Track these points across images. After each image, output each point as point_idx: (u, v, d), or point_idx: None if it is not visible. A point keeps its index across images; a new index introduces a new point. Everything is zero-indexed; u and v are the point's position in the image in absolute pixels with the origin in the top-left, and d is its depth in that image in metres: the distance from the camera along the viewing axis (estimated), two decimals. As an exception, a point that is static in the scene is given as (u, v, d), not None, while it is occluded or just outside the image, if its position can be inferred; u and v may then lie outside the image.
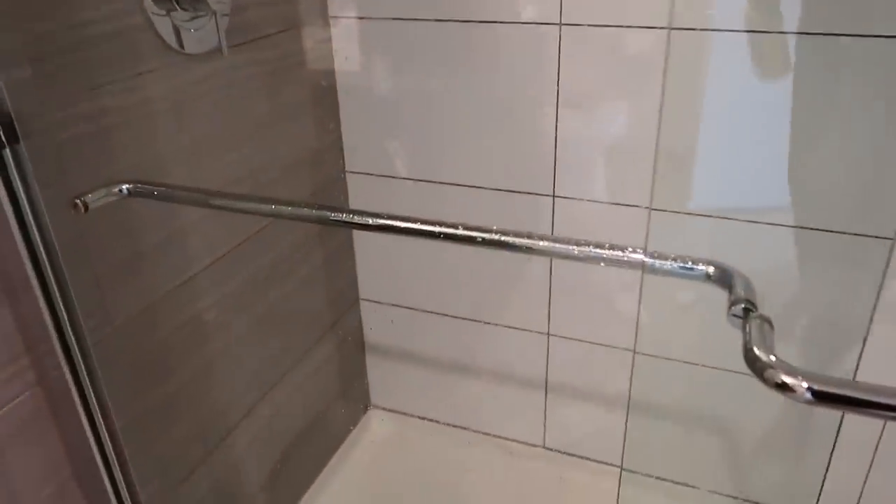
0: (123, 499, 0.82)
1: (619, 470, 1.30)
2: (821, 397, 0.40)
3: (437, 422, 1.44)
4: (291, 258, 1.14)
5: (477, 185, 1.16)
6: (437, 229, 0.63)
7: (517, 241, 0.60)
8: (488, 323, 1.29)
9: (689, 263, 0.51)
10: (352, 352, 1.39)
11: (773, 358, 0.41)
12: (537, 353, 1.27)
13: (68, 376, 0.73)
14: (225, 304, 0.99)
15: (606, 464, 1.32)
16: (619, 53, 0.99)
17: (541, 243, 0.58)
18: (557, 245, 0.59)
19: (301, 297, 1.19)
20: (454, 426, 1.43)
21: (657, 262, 0.52)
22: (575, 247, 0.58)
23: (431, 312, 1.32)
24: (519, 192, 1.13)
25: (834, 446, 1.05)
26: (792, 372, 0.41)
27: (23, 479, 0.72)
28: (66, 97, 0.69)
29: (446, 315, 1.31)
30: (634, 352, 1.15)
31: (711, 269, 0.50)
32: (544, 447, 1.37)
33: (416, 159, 1.19)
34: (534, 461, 1.35)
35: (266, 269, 1.08)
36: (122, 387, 0.80)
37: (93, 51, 0.72)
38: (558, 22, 0.99)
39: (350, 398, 1.42)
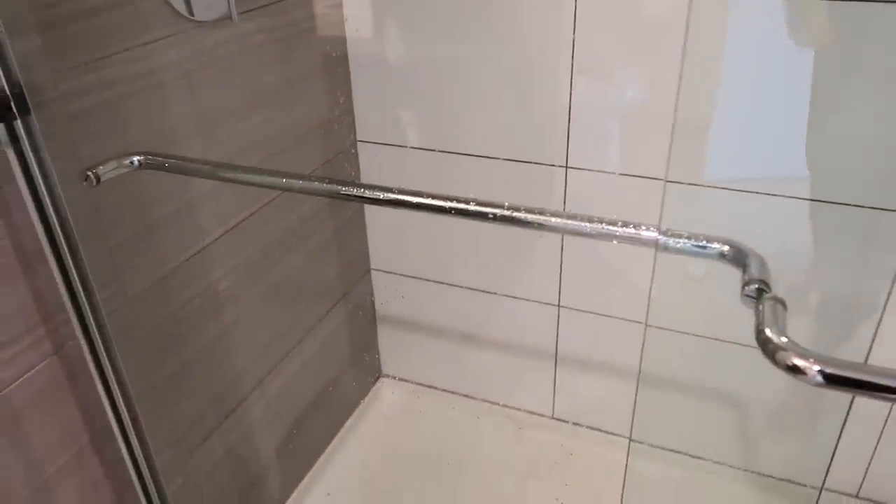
0: (140, 465, 0.84)
1: (627, 441, 1.31)
2: (832, 380, 0.39)
3: (448, 391, 1.45)
4: (302, 229, 1.14)
5: (489, 154, 1.14)
6: (448, 204, 0.62)
7: (529, 217, 0.59)
8: (499, 294, 1.29)
9: (704, 242, 0.50)
10: (363, 322, 1.40)
11: (784, 340, 0.41)
12: (547, 324, 1.28)
13: (84, 346, 0.74)
14: (236, 274, 1.00)
15: (615, 434, 1.33)
16: (637, 16, 0.97)
17: (553, 220, 0.58)
18: (570, 222, 0.58)
19: (312, 268, 1.20)
20: (464, 396, 1.44)
21: (671, 241, 0.51)
22: (587, 223, 0.57)
23: (442, 283, 1.32)
24: (531, 162, 1.12)
25: (845, 421, 1.05)
26: (804, 355, 0.40)
27: (41, 447, 0.73)
28: (76, 67, 0.68)
29: (456, 286, 1.31)
30: (646, 325, 1.15)
31: (726, 248, 0.49)
32: (553, 417, 1.38)
33: (427, 128, 1.18)
34: (542, 431, 1.36)
35: (276, 240, 1.08)
36: (136, 356, 0.81)
37: (101, 19, 0.71)
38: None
39: (361, 368, 1.43)
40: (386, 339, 1.46)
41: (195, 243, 0.91)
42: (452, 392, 1.45)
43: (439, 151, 1.18)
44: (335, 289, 1.28)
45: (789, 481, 1.20)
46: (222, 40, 0.89)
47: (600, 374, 1.30)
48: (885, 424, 1.10)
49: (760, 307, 0.43)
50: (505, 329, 1.33)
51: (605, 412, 1.33)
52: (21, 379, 0.69)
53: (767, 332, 0.41)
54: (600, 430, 1.35)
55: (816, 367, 0.39)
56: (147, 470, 0.85)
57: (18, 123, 0.61)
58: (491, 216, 0.60)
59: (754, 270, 0.45)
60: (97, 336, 0.73)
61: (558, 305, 1.24)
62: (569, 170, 1.11)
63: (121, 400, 0.79)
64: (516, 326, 1.31)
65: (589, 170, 1.09)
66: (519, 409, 1.41)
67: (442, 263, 1.31)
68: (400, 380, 1.49)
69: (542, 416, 1.39)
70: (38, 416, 0.72)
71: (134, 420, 0.81)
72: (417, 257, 1.32)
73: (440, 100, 1.14)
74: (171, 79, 0.82)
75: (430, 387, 1.47)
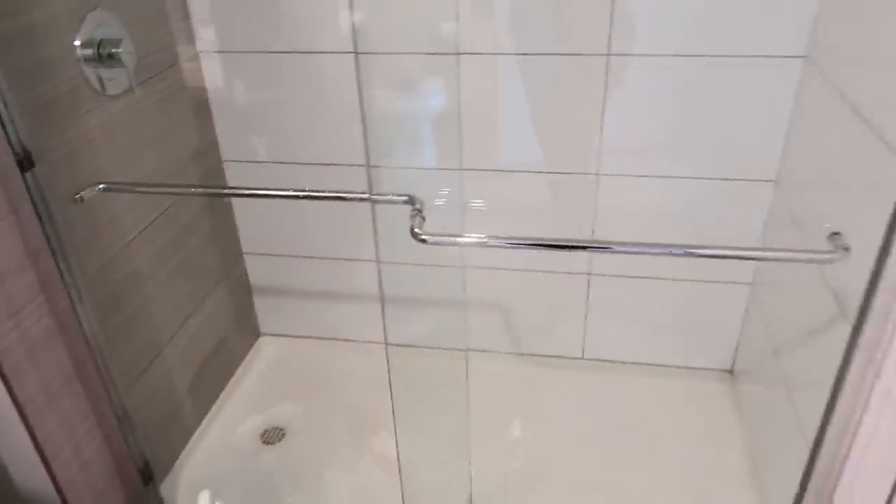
0: (108, 386, 1.28)
1: (448, 350, 1.88)
2: (424, 241, 0.96)
3: (314, 337, 1.96)
4: (190, 227, 1.60)
5: (315, 161, 1.66)
6: (290, 193, 1.14)
7: (328, 194, 1.12)
8: (342, 259, 1.81)
9: (393, 196, 1.05)
10: (241, 293, 1.87)
11: (417, 229, 0.97)
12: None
13: (70, 308, 1.18)
14: (150, 260, 1.45)
15: (448, 349, 1.90)
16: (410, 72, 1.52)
17: (328, 193, 1.11)
18: (332, 193, 1.12)
19: (199, 254, 1.66)
20: (328, 339, 1.96)
21: (379, 197, 1.05)
22: (359, 194, 1.11)
23: (299, 256, 1.83)
24: (341, 164, 1.65)
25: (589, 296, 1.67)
26: (421, 231, 0.96)
27: (47, 372, 1.16)
28: (52, 133, 1.13)
29: (312, 256, 1.82)
30: (378, 261, 1.72)
31: (406, 197, 1.05)
32: (388, 343, 1.93)
33: (271, 147, 1.68)
34: (380, 354, 1.91)
35: (173, 236, 1.54)
36: (97, 315, 1.25)
37: (62, 103, 1.15)
38: (353, 51, 1.51)
39: (243, 329, 1.91)
40: (261, 305, 1.94)
41: (125, 237, 1.36)
42: (318, 338, 1.96)
43: (284, 163, 1.68)
44: (217, 269, 1.75)
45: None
46: (128, 104, 1.34)
47: (426, 308, 1.86)
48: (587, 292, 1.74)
49: (416, 219, 0.99)
50: (352, 284, 1.86)
51: (438, 335, 1.89)
52: (33, 329, 1.12)
53: (412, 226, 0.97)
54: (439, 348, 1.90)
55: (423, 236, 0.95)
56: (112, 389, 1.29)
57: (29, 174, 1.05)
58: (322, 197, 1.12)
59: (415, 202, 1.01)
60: (77, 299, 1.18)
61: (377, 261, 1.79)
62: (372, 168, 1.65)
63: (92, 344, 1.23)
64: (360, 279, 1.84)
65: (391, 167, 1.64)
66: (369, 342, 1.94)
67: (298, 241, 1.81)
68: (275, 335, 1.98)
69: (378, 343, 1.93)
70: (43, 352, 1.15)
71: (100, 359, 1.25)
72: (278, 239, 1.82)
73: (277, 125, 1.64)
74: (103, 133, 1.27)
75: (300, 337, 1.97)
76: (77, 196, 1.09)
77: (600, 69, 1.45)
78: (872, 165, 0.99)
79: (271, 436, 1.70)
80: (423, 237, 0.99)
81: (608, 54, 1.43)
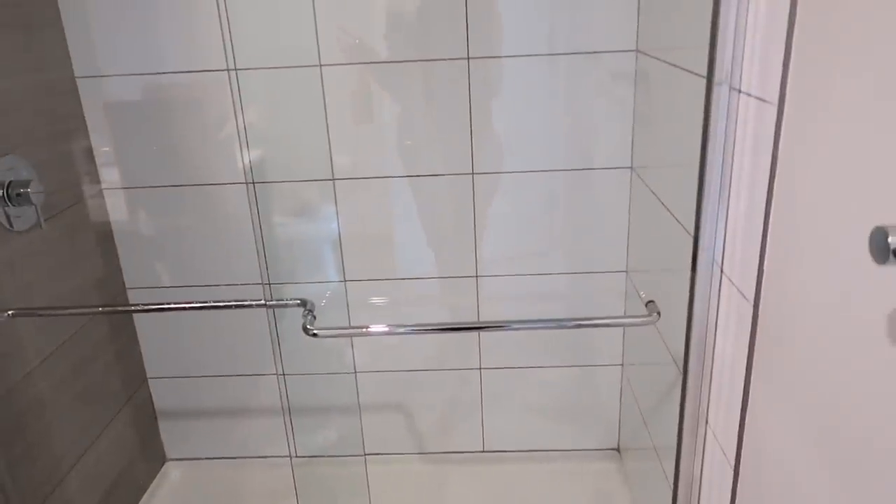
0: (6, 513, 1.29)
1: (347, 457, 1.94)
2: (315, 335, 1.10)
3: (220, 457, 1.98)
4: (94, 353, 1.66)
5: (215, 283, 1.78)
6: (193, 305, 1.25)
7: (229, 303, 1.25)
8: (247, 375, 1.89)
9: (287, 300, 1.20)
10: (146, 418, 1.90)
11: (309, 327, 1.11)
12: (274, 389, 1.91)
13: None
14: (54, 387, 1.49)
15: (345, 455, 1.96)
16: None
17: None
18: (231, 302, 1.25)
19: (103, 379, 1.70)
20: (232, 458, 1.98)
21: (275, 302, 1.19)
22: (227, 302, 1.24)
23: (203, 376, 1.89)
24: (236, 283, 1.78)
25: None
26: (312, 327, 1.11)
27: None
28: (-43, 267, 1.21)
29: (215, 375, 1.89)
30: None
31: (299, 300, 1.19)
32: (295, 456, 1.98)
33: (173, 272, 1.79)
34: (285, 468, 1.95)
35: (77, 362, 1.59)
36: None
37: (-32, 238, 1.25)
38: (246, 181, 1.69)
39: (149, 455, 1.91)
40: (166, 428, 1.96)
41: (28, 365, 1.41)
42: (224, 457, 1.98)
43: (184, 286, 1.79)
44: (121, 394, 1.79)
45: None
46: (35, 238, 1.45)
47: (325, 417, 1.94)
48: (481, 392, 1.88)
49: (305, 317, 1.13)
50: (251, 400, 1.92)
51: (340, 442, 1.96)
52: (-66, 455, 1.15)
53: (304, 323, 1.11)
54: (333, 456, 1.97)
55: (314, 331, 1.09)
56: (11, 517, 1.29)
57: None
58: (223, 307, 1.24)
59: (306, 304, 1.15)
60: (-21, 423, 1.21)
61: (278, 375, 1.88)
62: (268, 286, 1.79)
63: (-9, 469, 1.25)
64: (258, 396, 1.91)
65: (286, 283, 1.78)
66: (274, 456, 1.98)
67: (200, 362, 1.88)
68: (181, 459, 1.99)
69: (283, 456, 1.98)
70: None
71: (2, 486, 1.27)
72: (181, 361, 1.88)
73: (177, 251, 1.76)
74: (11, 265, 1.35)
75: (206, 458, 1.99)
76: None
77: (468, 185, 1.69)
78: (675, 244, 1.23)
79: (177, 559, 1.68)
80: (313, 332, 1.13)
81: (472, 173, 1.68)
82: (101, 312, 1.38)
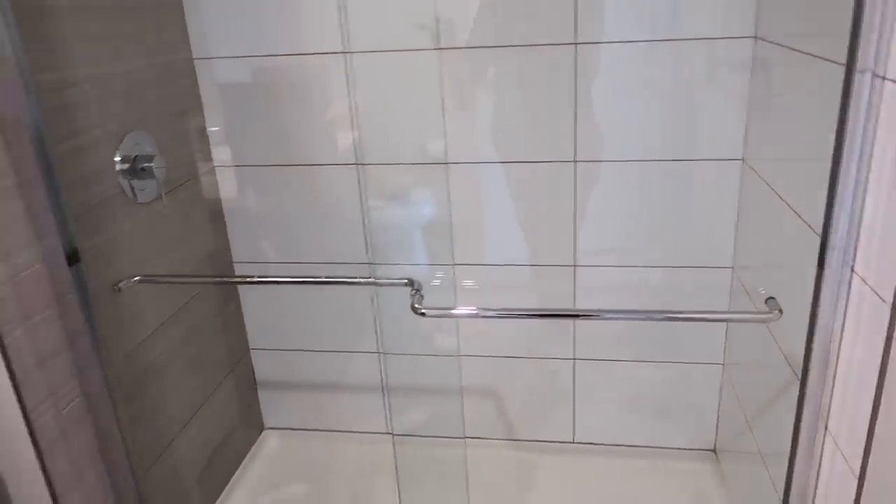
0: (127, 471, 1.37)
1: (443, 438, 1.97)
2: (424, 314, 1.11)
3: (315, 430, 2.05)
4: (203, 322, 1.74)
5: (319, 261, 1.83)
6: (303, 279, 1.29)
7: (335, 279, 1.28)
8: (347, 352, 1.94)
9: (395, 280, 1.21)
10: (247, 387, 1.98)
11: (417, 306, 1.12)
12: (368, 366, 1.95)
13: (98, 392, 1.29)
14: (168, 352, 1.58)
15: (442, 437, 1.99)
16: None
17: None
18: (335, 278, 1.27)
19: (210, 348, 1.79)
20: (327, 430, 2.04)
21: (382, 280, 1.21)
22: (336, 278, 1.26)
23: (303, 350, 1.95)
24: (341, 262, 1.82)
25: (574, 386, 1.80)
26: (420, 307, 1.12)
27: (75, 452, 1.26)
28: (94, 235, 1.29)
29: (315, 350, 1.95)
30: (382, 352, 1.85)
31: (407, 280, 1.20)
32: (387, 432, 2.02)
33: (279, 249, 1.85)
34: (381, 444, 1.99)
35: (188, 330, 1.67)
36: (120, 397, 1.37)
37: (100, 211, 1.33)
38: (354, 162, 1.72)
39: (248, 422, 2.00)
40: (265, 398, 2.04)
41: (147, 330, 1.49)
42: (319, 430, 2.05)
43: (289, 262, 1.85)
44: (225, 363, 1.87)
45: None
46: (157, 210, 1.52)
47: (425, 397, 1.97)
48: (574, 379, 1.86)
49: (412, 297, 1.14)
50: (350, 376, 1.97)
51: (439, 423, 1.98)
52: (67, 408, 1.23)
53: (413, 302, 1.12)
54: (433, 437, 1.99)
55: (422, 310, 1.10)
56: (131, 474, 1.38)
57: (78, 266, 1.21)
58: (329, 282, 1.27)
59: (414, 283, 1.16)
60: (106, 385, 1.30)
61: (380, 353, 1.92)
62: (373, 265, 1.82)
63: (117, 419, 1.34)
64: (357, 372, 1.96)
65: (390, 264, 1.81)
66: (368, 432, 2.03)
67: (301, 336, 1.94)
68: (278, 429, 2.07)
69: (381, 433, 2.02)
70: (76, 434, 1.26)
71: (123, 441, 1.35)
72: (283, 334, 1.95)
73: (284, 229, 1.82)
74: (137, 234, 1.44)
75: (301, 430, 2.06)
76: (116, 287, 1.24)
77: (570, 173, 1.66)
78: (796, 240, 1.17)
79: (275, 523, 1.75)
80: (422, 311, 1.14)
81: (575, 161, 1.65)
82: (224, 282, 1.47)
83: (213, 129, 1.76)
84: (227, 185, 1.81)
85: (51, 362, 1.20)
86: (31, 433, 1.15)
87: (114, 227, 1.38)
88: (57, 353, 1.21)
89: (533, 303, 1.81)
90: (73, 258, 1.21)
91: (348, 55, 1.63)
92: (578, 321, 1.81)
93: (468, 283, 1.77)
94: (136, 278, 1.28)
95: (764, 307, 1.13)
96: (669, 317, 1.29)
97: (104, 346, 1.27)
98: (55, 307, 1.20)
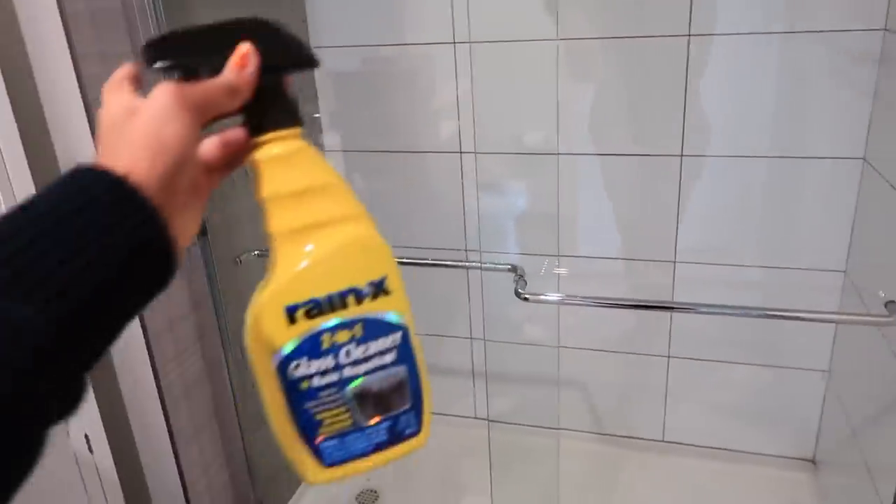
0: (240, 430, 1.47)
1: (537, 429, 1.99)
2: (527, 300, 1.13)
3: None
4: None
5: (423, 245, 1.88)
6: (408, 261, 1.34)
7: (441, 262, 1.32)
8: (441, 335, 1.99)
9: (499, 265, 1.23)
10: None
11: (521, 290, 1.14)
12: (465, 353, 1.98)
13: (218, 355, 1.39)
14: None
15: (537, 427, 2.00)
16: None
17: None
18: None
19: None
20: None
21: (487, 264, 1.24)
22: (445, 261, 1.30)
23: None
24: (444, 248, 1.87)
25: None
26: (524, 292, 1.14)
27: (195, 410, 1.36)
28: (220, 211, 1.39)
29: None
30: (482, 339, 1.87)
31: (510, 266, 1.22)
32: (475, 417, 2.06)
33: (383, 233, 1.91)
34: (469, 429, 2.03)
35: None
36: (238, 365, 1.46)
37: (226, 188, 1.42)
38: (458, 150, 1.76)
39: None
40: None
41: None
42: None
43: (393, 246, 1.91)
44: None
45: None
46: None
47: (514, 384, 1.99)
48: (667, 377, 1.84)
49: (516, 282, 1.17)
50: (442, 359, 2.02)
51: (533, 411, 1.99)
52: (192, 370, 1.33)
53: (516, 287, 1.14)
54: (526, 425, 1.99)
55: (525, 295, 1.12)
56: (242, 434, 1.48)
57: (203, 239, 1.30)
58: (435, 265, 1.32)
59: (517, 269, 1.19)
60: (225, 349, 1.39)
61: (483, 339, 1.96)
62: (473, 251, 1.86)
63: (234, 393, 1.43)
64: (449, 356, 2.01)
65: (491, 252, 1.84)
66: (456, 416, 2.08)
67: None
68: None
69: (469, 417, 2.06)
70: (198, 391, 1.36)
71: (238, 402, 1.45)
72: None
73: (388, 212, 1.88)
74: (248, 213, 1.53)
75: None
76: (237, 259, 1.33)
77: (675, 166, 1.64)
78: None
79: (366, 497, 1.83)
80: (525, 296, 1.16)
81: (681, 155, 1.62)
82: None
83: (327, 115, 1.84)
84: (336, 168, 1.88)
85: (178, 326, 1.30)
86: (159, 390, 1.26)
87: (236, 204, 1.47)
88: (184, 317, 1.31)
89: (630, 297, 1.80)
90: (201, 231, 1.30)
91: (469, 45, 1.66)
92: (676, 319, 1.79)
93: (563, 271, 1.78)
94: (256, 252, 1.36)
95: (883, 311, 1.09)
96: (773, 314, 1.25)
97: (224, 313, 1.37)
98: (186, 275, 1.30)
